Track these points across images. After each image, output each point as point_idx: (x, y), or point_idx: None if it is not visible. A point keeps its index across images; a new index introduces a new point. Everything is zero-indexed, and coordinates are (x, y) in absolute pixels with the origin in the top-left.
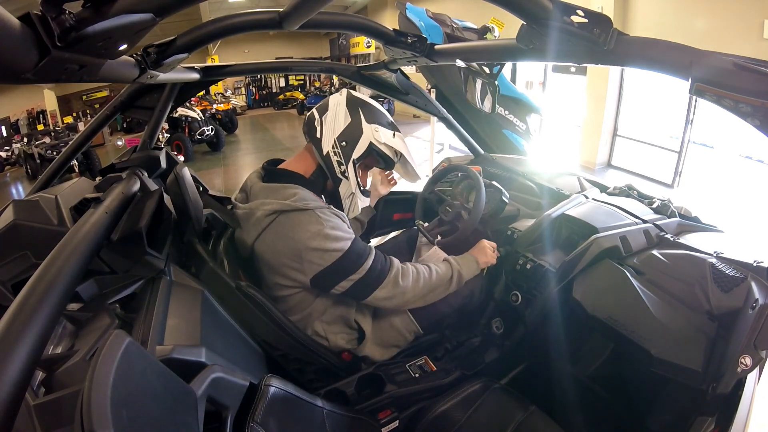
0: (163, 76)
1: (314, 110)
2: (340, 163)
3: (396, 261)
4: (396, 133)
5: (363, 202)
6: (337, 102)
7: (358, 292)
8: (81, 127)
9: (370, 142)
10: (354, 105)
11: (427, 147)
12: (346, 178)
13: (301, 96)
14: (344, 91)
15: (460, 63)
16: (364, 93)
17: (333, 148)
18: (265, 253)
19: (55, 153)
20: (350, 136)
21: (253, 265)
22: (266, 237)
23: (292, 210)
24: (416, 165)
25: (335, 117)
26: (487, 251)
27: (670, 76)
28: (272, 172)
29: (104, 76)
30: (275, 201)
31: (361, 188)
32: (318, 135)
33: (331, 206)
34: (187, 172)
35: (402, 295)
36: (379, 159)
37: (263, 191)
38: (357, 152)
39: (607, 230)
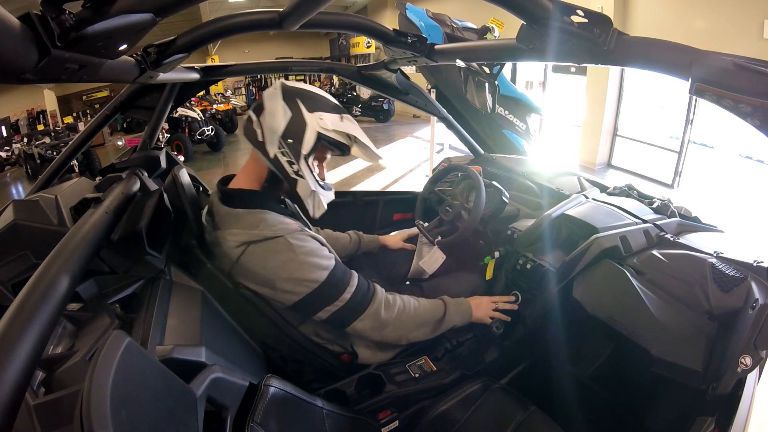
0: (163, 76)
1: (250, 112)
2: (291, 163)
3: (380, 291)
4: (343, 115)
5: (326, 197)
6: (273, 97)
7: (336, 321)
8: (81, 127)
9: (318, 132)
10: (291, 96)
11: (427, 147)
12: (302, 177)
13: None
14: (277, 83)
15: (460, 63)
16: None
17: (279, 148)
18: (243, 280)
19: (55, 153)
20: (295, 131)
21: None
22: (239, 268)
23: (261, 239)
24: (373, 145)
25: (274, 115)
26: (484, 307)
27: (670, 76)
28: (229, 194)
29: (104, 76)
30: (242, 231)
31: (321, 183)
32: (260, 138)
33: (306, 228)
34: (184, 174)
35: (381, 329)
36: (332, 147)
37: (228, 218)
38: (306, 146)
39: (607, 230)
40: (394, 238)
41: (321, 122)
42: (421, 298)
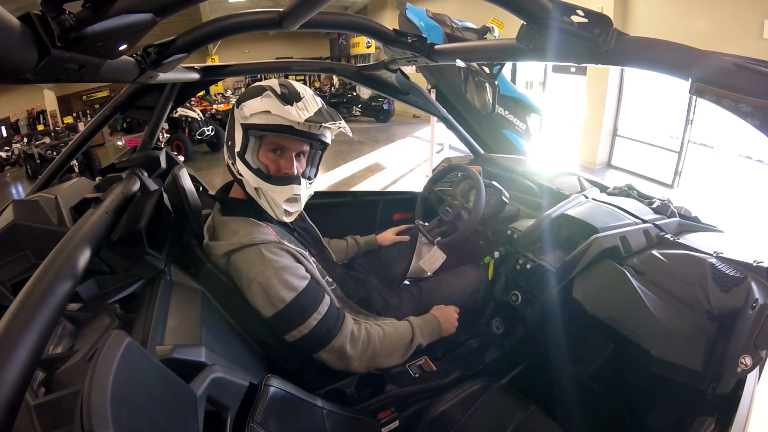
0: (163, 76)
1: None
2: (233, 164)
3: (349, 324)
4: (263, 95)
5: (279, 192)
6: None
7: (304, 347)
8: (81, 127)
9: (242, 125)
10: (237, 103)
11: (427, 147)
12: (242, 176)
13: None
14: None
15: (460, 63)
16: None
17: (228, 158)
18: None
19: (55, 153)
20: (230, 133)
21: None
22: (228, 277)
23: (238, 248)
24: (317, 105)
25: (229, 131)
26: (451, 319)
27: (670, 76)
28: (223, 203)
29: (104, 76)
30: (223, 242)
31: (267, 176)
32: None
33: (284, 241)
34: (185, 173)
35: (348, 362)
36: (273, 132)
37: (218, 226)
38: (238, 143)
39: (607, 230)
40: (387, 236)
41: (242, 113)
42: (388, 323)
